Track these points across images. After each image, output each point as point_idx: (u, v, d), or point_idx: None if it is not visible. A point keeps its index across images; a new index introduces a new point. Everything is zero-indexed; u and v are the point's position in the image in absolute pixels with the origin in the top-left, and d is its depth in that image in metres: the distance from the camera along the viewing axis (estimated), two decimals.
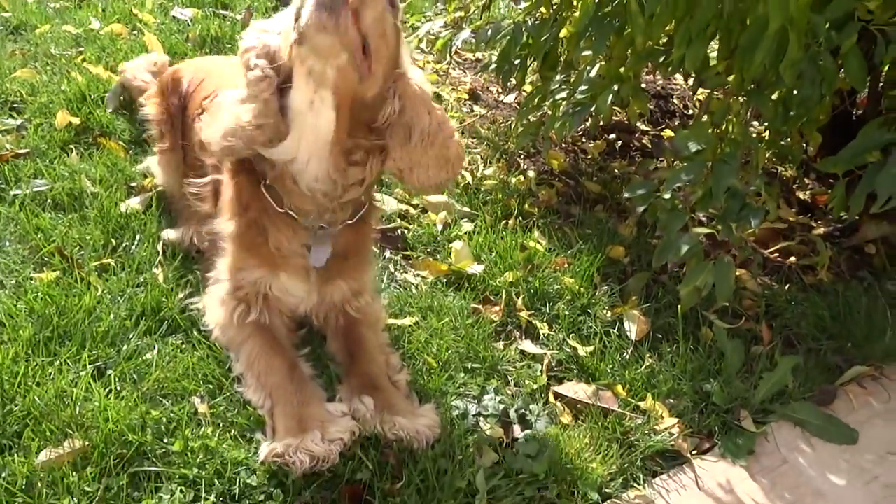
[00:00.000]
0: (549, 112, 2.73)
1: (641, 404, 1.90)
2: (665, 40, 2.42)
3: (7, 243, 2.02)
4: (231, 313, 1.79)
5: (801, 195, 3.15)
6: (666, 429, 1.83)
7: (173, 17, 3.58)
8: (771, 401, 1.98)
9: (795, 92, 2.11)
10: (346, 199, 1.71)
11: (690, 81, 3.30)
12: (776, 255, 2.59)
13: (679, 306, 2.17)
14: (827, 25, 1.97)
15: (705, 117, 2.50)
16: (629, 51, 2.43)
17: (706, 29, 2.06)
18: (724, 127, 2.27)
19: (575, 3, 2.65)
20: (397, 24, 1.55)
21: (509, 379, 1.96)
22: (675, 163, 2.39)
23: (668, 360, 2.06)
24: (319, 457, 1.52)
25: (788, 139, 2.66)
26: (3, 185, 2.21)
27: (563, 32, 2.55)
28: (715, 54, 2.46)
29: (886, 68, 2.55)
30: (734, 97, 2.23)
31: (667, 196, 2.06)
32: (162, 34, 3.28)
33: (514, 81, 3.00)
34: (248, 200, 1.74)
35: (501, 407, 1.81)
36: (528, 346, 2.08)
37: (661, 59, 2.35)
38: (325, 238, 1.75)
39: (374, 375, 1.78)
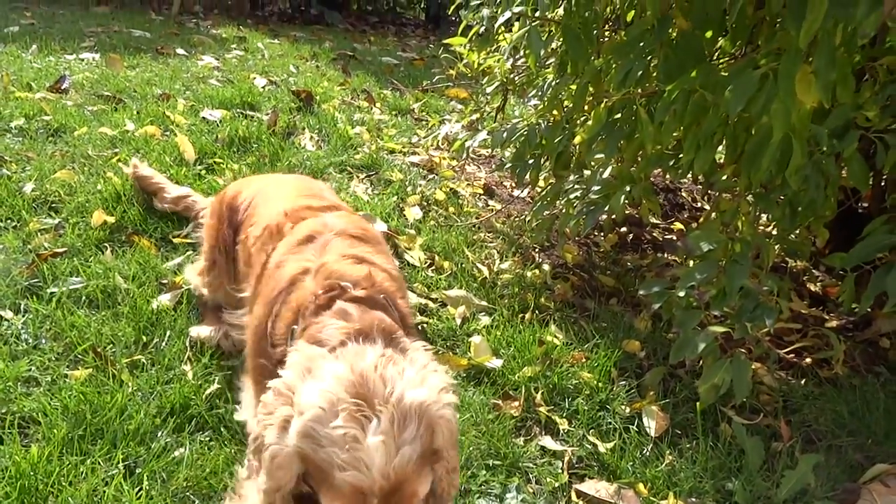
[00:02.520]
0: (563, 209, 2.83)
1: (664, 503, 1.90)
2: (674, 144, 2.54)
3: (43, 340, 2.09)
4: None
5: (812, 287, 3.20)
6: None
7: (203, 118, 3.78)
8: (794, 500, 1.97)
9: (801, 193, 2.20)
10: None
11: (700, 181, 3.41)
12: (792, 354, 2.61)
13: (698, 402, 2.19)
14: (828, 133, 2.09)
15: (714, 215, 2.60)
16: (639, 154, 2.55)
17: (713, 136, 2.17)
18: (733, 226, 2.35)
19: (586, 107, 2.80)
20: None
21: (530, 476, 1.97)
22: (688, 260, 2.46)
23: (689, 457, 2.07)
24: None
25: (796, 233, 2.74)
26: (40, 284, 2.30)
27: (577, 139, 2.67)
28: (722, 158, 2.57)
29: (888, 170, 2.65)
30: (743, 198, 2.33)
31: (681, 294, 2.12)
32: (193, 135, 3.46)
33: (528, 179, 3.12)
34: None
35: None
36: (548, 442, 2.09)
37: (671, 163, 2.46)
38: None
39: None
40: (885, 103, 2.15)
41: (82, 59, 4.70)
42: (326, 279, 1.65)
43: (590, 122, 2.54)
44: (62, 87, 3.94)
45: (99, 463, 1.72)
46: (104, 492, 1.62)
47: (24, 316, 2.16)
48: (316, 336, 1.49)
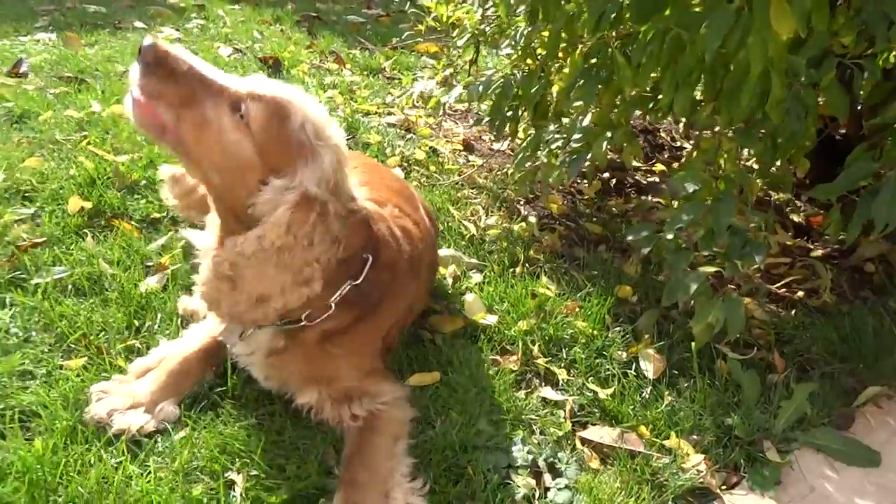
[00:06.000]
0: (545, 160, 2.81)
1: (666, 443, 1.94)
2: (652, 86, 2.52)
3: (33, 333, 2.06)
4: None
5: (795, 218, 3.23)
6: (693, 466, 1.86)
7: None
8: (792, 429, 2.02)
9: (783, 126, 2.20)
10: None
11: (682, 123, 3.39)
12: (783, 288, 2.64)
13: (692, 342, 2.21)
14: (805, 63, 2.07)
15: (695, 154, 2.59)
16: (618, 98, 2.52)
17: (691, 75, 2.15)
18: (716, 164, 2.35)
19: (560, 54, 2.76)
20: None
21: (534, 428, 1.99)
22: (673, 202, 2.46)
23: (687, 396, 2.11)
24: None
25: (777, 166, 2.74)
26: (23, 276, 2.26)
27: (555, 88, 2.64)
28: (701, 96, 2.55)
29: (865, 97, 2.65)
30: (724, 136, 2.32)
31: (670, 237, 2.13)
32: None
33: (507, 131, 3.09)
34: None
35: (530, 457, 1.85)
36: (548, 392, 2.12)
37: (650, 105, 2.44)
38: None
39: (363, 488, 1.64)
40: (861, 27, 2.13)
41: (38, 40, 4.53)
42: None
43: (566, 70, 2.50)
44: (20, 71, 3.81)
45: (105, 450, 1.71)
46: (113, 478, 1.62)
47: (10, 310, 2.12)
48: None
